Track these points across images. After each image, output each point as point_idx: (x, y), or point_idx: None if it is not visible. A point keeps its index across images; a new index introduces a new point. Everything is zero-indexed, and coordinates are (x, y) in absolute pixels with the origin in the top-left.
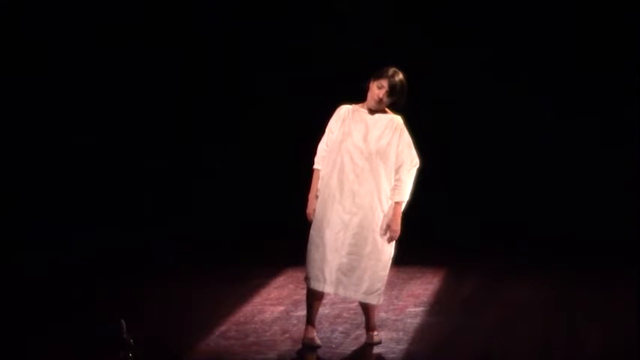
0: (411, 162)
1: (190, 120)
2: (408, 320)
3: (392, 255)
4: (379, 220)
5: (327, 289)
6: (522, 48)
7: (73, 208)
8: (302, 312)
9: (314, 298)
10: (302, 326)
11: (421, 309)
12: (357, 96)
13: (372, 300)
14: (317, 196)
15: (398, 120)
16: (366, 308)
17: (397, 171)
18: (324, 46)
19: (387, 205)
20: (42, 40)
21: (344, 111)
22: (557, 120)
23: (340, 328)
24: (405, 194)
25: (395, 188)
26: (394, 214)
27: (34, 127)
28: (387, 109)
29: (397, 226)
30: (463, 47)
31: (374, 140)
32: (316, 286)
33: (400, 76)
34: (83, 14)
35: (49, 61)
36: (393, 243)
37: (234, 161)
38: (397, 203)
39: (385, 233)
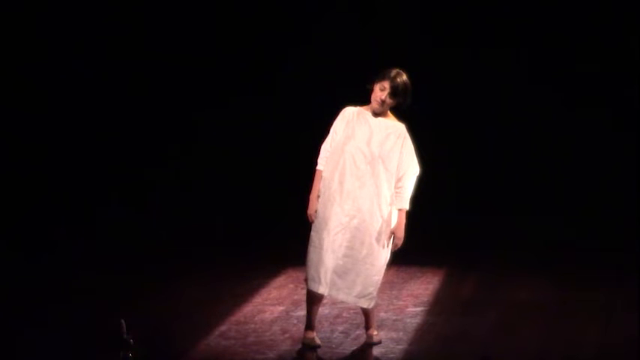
0: (413, 170)
1: (191, 118)
2: (408, 320)
3: (387, 260)
4: (377, 224)
5: (322, 290)
6: (521, 42)
7: (71, 207)
8: (302, 312)
9: (313, 300)
10: (302, 326)
11: (421, 309)
12: (361, 97)
13: (364, 304)
14: (318, 197)
15: (402, 127)
16: (365, 309)
17: (400, 179)
18: (325, 46)
19: (386, 210)
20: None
21: (349, 113)
22: (555, 119)
23: (340, 328)
24: (408, 201)
25: (397, 195)
26: (399, 222)
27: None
28: (390, 113)
29: (402, 234)
30: (462, 45)
31: (377, 145)
32: (312, 286)
33: (403, 77)
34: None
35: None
36: (389, 249)
37: (234, 161)
38: (401, 211)
39: (383, 238)
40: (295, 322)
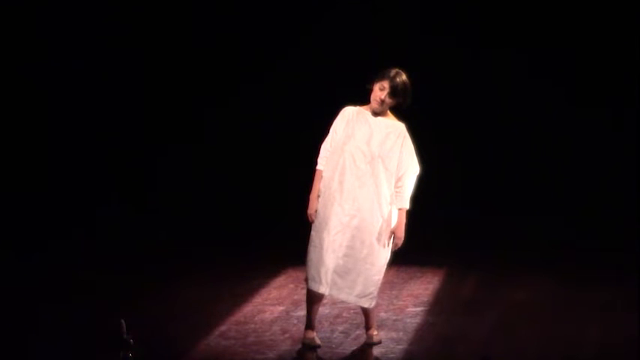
0: (413, 169)
1: (191, 118)
2: (408, 320)
3: (387, 260)
4: (377, 224)
5: (323, 289)
6: (521, 41)
7: (71, 207)
8: (302, 312)
9: (313, 299)
10: (302, 326)
11: (421, 309)
12: (361, 97)
13: (364, 303)
14: (319, 197)
15: (402, 126)
16: (365, 309)
17: (400, 178)
18: (325, 45)
19: (386, 209)
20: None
21: (348, 112)
22: (555, 120)
23: (340, 328)
24: (407, 201)
25: (397, 194)
26: (399, 222)
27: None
28: (390, 113)
29: (402, 233)
30: (462, 44)
31: (377, 144)
32: (313, 286)
33: (403, 77)
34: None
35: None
36: (389, 248)
37: (234, 160)
38: (401, 210)
39: (383, 238)
40: (295, 322)
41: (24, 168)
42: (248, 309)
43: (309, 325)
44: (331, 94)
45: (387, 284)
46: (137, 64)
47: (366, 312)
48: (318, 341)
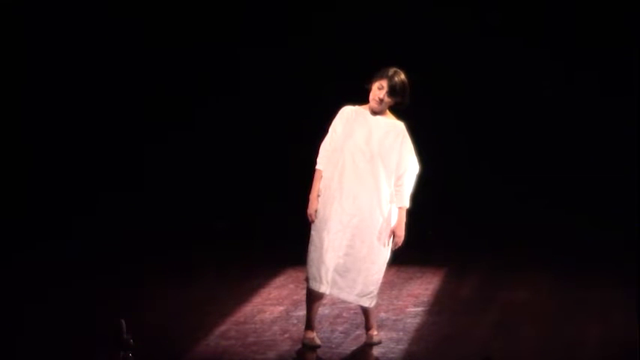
0: (413, 168)
1: (190, 118)
2: (408, 320)
3: (387, 259)
4: (378, 223)
5: (323, 289)
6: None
7: (71, 207)
8: (302, 312)
9: (313, 299)
10: (302, 326)
11: (421, 309)
12: (360, 97)
13: (365, 302)
14: (318, 196)
15: (401, 125)
16: (365, 308)
17: (400, 177)
18: (325, 45)
19: (386, 208)
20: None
21: (348, 112)
22: (555, 118)
23: (340, 328)
24: (408, 199)
25: (397, 193)
26: (399, 220)
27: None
28: (389, 112)
29: (402, 232)
30: (462, 43)
31: (376, 143)
32: (313, 285)
33: (401, 76)
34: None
35: None
36: (389, 247)
37: (234, 160)
38: (401, 209)
39: (383, 237)
40: (295, 322)
41: (24, 167)
42: (248, 309)
43: (309, 325)
44: (330, 94)
45: (387, 284)
46: (137, 59)
47: (366, 312)
48: (318, 341)
